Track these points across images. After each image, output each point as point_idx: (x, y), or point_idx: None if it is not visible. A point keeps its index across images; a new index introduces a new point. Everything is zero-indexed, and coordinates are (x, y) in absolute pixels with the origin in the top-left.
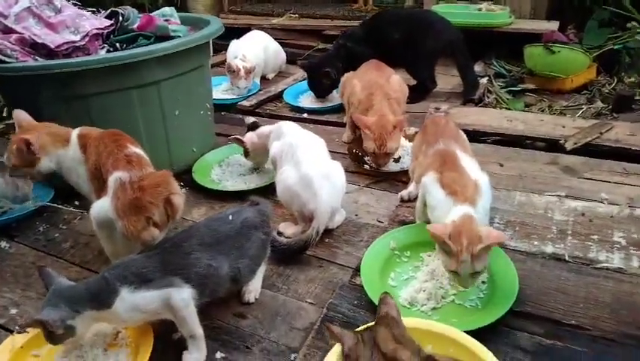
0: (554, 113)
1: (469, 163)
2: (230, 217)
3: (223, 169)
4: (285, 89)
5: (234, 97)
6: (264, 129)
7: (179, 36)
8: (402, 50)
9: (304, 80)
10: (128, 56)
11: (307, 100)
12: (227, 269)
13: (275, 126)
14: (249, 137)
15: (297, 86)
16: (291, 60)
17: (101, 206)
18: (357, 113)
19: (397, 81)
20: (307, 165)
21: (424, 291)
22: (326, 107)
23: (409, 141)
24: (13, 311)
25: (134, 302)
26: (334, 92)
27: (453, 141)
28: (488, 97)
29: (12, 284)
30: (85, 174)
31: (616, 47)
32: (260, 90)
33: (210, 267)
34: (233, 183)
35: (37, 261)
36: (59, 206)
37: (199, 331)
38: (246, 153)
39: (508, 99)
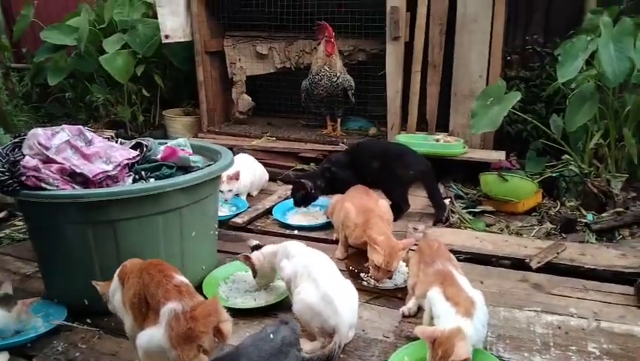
0: (512, 233)
1: (463, 281)
2: (272, 336)
3: (229, 286)
4: (272, 206)
5: (227, 214)
6: (268, 248)
7: (199, 166)
8: (380, 176)
9: (287, 198)
10: (159, 187)
11: (295, 217)
12: None
13: (280, 246)
14: (256, 255)
15: (283, 204)
16: (271, 178)
17: (151, 335)
18: (354, 234)
19: (385, 205)
20: (326, 283)
21: None
22: (314, 225)
23: (406, 261)
24: None
25: None
26: (319, 209)
27: (448, 262)
28: (452, 217)
29: None
30: (119, 302)
31: (554, 174)
32: (249, 208)
33: None
34: (243, 301)
35: None
36: (73, 325)
37: None
38: (254, 273)
39: (470, 219)
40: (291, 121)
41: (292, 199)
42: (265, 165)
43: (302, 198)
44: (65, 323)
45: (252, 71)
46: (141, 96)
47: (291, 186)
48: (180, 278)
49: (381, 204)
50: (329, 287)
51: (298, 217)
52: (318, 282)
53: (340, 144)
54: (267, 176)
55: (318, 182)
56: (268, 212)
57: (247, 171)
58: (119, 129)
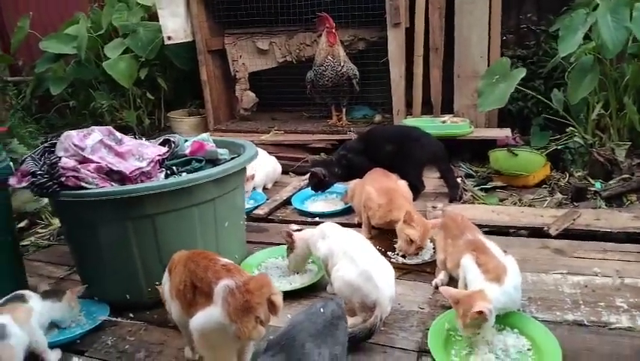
0: (525, 206)
1: (494, 248)
2: (322, 310)
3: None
4: (290, 197)
5: (247, 207)
6: (306, 232)
7: (225, 159)
8: (394, 159)
9: (301, 188)
10: (194, 180)
11: (314, 205)
12: (328, 356)
13: (317, 229)
14: (297, 234)
15: (301, 194)
16: (283, 171)
17: (208, 315)
18: (377, 215)
19: (405, 185)
20: (363, 260)
21: None
22: (333, 211)
23: (431, 238)
24: None
25: None
26: (335, 196)
27: (476, 232)
28: (465, 195)
29: None
30: (168, 292)
31: (559, 147)
32: (267, 200)
33: (320, 355)
34: (279, 285)
35: None
36: (118, 319)
37: None
38: (290, 250)
39: (483, 196)
40: (294, 114)
41: (310, 187)
42: (277, 158)
43: (317, 185)
44: (110, 318)
45: (253, 67)
46: (146, 100)
47: (304, 177)
48: (225, 260)
49: (402, 184)
50: (367, 263)
51: (317, 205)
52: (355, 259)
53: (348, 132)
54: (280, 168)
55: (335, 169)
56: (286, 202)
57: (262, 164)
58: (127, 134)
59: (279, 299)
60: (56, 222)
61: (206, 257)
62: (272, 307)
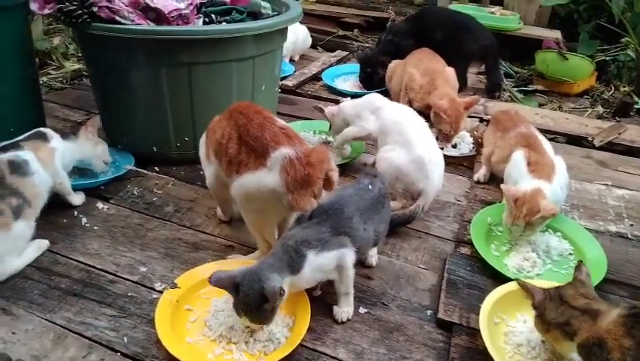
0: (566, 112)
1: (547, 145)
2: (370, 187)
3: None
4: (319, 72)
5: None
6: (347, 103)
7: (268, 14)
8: (443, 48)
9: (331, 65)
10: (237, 30)
11: (345, 84)
12: (373, 233)
13: (364, 99)
14: (330, 109)
15: (331, 70)
16: (312, 45)
17: (262, 179)
18: (419, 97)
19: (452, 71)
20: (419, 147)
21: (527, 260)
22: (365, 92)
23: (471, 132)
24: (143, 270)
25: (319, 263)
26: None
27: (530, 125)
28: (503, 95)
29: (128, 245)
30: (203, 155)
31: (607, 58)
32: (295, 72)
33: (365, 230)
34: None
35: (145, 223)
36: (144, 171)
37: (352, 289)
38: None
39: (522, 98)
40: None
41: (367, 85)
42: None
43: (380, 79)
44: (136, 168)
45: None
46: None
47: (334, 53)
48: (281, 121)
49: (449, 69)
50: (423, 152)
51: (348, 84)
52: (411, 142)
53: (386, 10)
54: (310, 40)
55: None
56: (315, 78)
57: (291, 32)
58: None
59: (335, 175)
60: (69, 64)
61: (259, 112)
62: (327, 183)
